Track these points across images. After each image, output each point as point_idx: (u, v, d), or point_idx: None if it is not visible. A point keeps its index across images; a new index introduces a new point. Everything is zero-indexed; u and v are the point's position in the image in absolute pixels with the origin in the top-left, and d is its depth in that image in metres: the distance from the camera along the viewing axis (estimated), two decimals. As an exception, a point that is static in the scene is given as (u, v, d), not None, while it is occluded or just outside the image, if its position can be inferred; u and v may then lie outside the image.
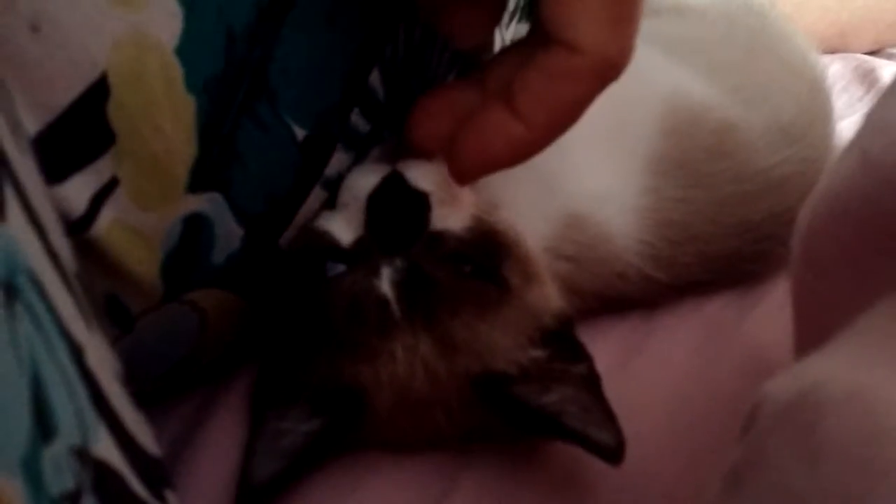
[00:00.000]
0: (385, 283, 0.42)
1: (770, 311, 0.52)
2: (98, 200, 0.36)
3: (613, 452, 0.39)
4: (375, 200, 0.44)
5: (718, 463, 0.26)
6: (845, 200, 0.30)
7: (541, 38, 0.37)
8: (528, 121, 0.39)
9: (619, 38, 0.36)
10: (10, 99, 0.31)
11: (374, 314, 0.42)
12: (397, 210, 0.44)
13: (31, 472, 0.22)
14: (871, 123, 0.31)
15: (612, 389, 0.42)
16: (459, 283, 0.43)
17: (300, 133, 0.42)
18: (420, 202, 0.44)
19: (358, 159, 0.47)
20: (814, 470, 0.22)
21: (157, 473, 0.33)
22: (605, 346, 0.49)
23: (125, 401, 0.31)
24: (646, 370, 0.49)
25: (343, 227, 0.44)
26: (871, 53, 0.93)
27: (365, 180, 0.45)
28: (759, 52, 0.60)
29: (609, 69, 0.37)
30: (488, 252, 0.44)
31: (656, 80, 0.57)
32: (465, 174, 0.42)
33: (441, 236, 0.44)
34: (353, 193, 0.45)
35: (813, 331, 0.32)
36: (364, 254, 0.43)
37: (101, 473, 0.26)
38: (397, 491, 0.43)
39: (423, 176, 0.45)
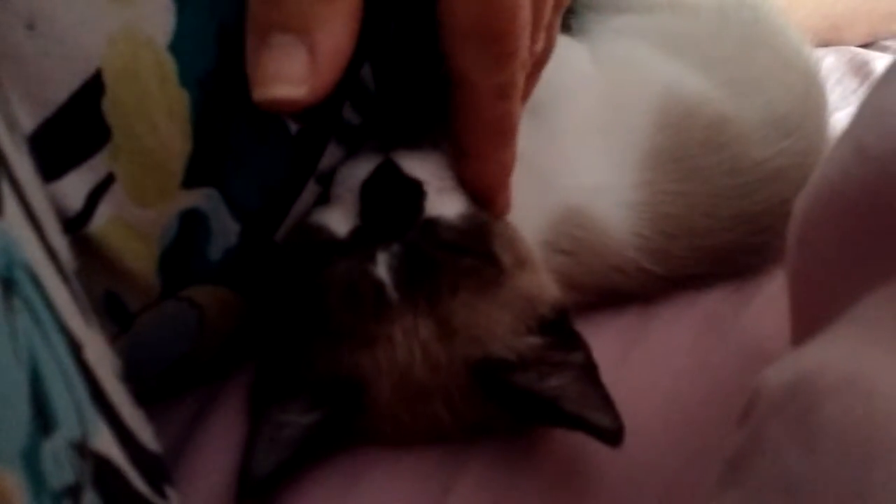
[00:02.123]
0: (381, 267, 0.42)
1: (767, 303, 0.52)
2: (95, 197, 0.36)
3: (613, 435, 0.39)
4: (369, 188, 0.44)
5: (717, 454, 0.26)
6: (841, 189, 0.30)
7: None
8: (475, 153, 0.44)
9: (501, 68, 0.40)
10: (5, 96, 0.31)
11: (370, 299, 0.42)
12: (391, 197, 0.44)
13: (32, 465, 0.22)
14: (866, 112, 0.31)
15: (611, 382, 0.42)
16: (456, 266, 0.43)
17: (293, 127, 0.42)
18: (414, 190, 0.44)
19: (350, 153, 0.47)
20: (812, 455, 0.22)
21: (157, 469, 0.33)
22: (603, 339, 0.49)
23: (124, 397, 0.31)
24: (644, 363, 0.49)
25: (338, 219, 0.45)
26: (865, 46, 0.92)
27: (358, 170, 0.45)
28: (753, 45, 0.61)
29: (503, 90, 0.41)
30: (482, 237, 0.45)
31: (651, 75, 0.57)
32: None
33: (436, 223, 0.44)
34: (346, 184, 0.45)
35: (809, 320, 0.32)
36: (360, 243, 0.43)
37: (101, 468, 0.26)
38: (399, 485, 0.43)
39: (417, 164, 0.45)
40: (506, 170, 0.45)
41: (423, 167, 0.45)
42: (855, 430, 0.22)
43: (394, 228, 0.44)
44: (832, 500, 0.21)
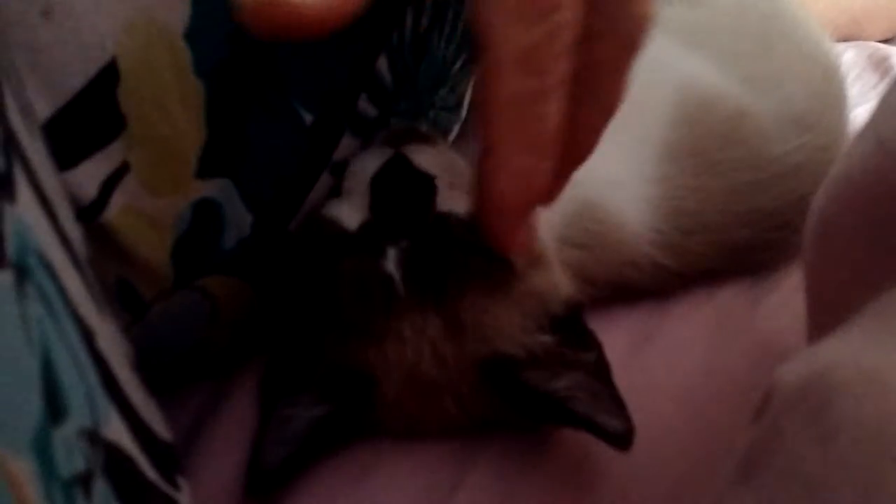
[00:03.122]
0: (390, 262, 0.42)
1: (783, 299, 0.52)
2: (109, 186, 0.36)
3: (622, 438, 0.39)
4: (379, 182, 0.44)
5: (730, 451, 0.26)
6: (860, 184, 0.29)
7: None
8: (491, 145, 0.35)
9: (530, 23, 0.32)
10: (20, 84, 0.31)
11: (380, 294, 0.42)
12: (402, 192, 0.44)
13: (43, 452, 0.22)
14: (886, 107, 0.31)
15: (624, 378, 0.41)
16: (466, 263, 0.43)
17: (308, 118, 0.42)
18: (425, 184, 0.44)
19: (365, 145, 0.47)
20: (828, 452, 0.22)
21: (168, 458, 0.33)
22: (617, 334, 0.49)
23: (137, 386, 0.31)
24: (658, 358, 0.49)
25: (349, 213, 0.44)
26: (886, 41, 0.92)
27: (369, 163, 0.45)
28: (772, 39, 0.60)
29: (529, 59, 0.33)
30: None
31: (668, 69, 0.57)
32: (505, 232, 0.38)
33: (447, 218, 0.44)
34: (357, 178, 0.45)
35: (826, 316, 0.31)
36: (370, 237, 0.43)
37: (112, 456, 0.26)
38: (408, 478, 0.43)
39: (429, 159, 0.45)
40: (529, 182, 0.35)
41: (434, 162, 0.45)
42: (871, 426, 0.21)
43: (404, 223, 0.43)
44: (848, 496, 0.21)
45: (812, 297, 0.33)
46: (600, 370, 0.42)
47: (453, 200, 0.44)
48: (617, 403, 0.40)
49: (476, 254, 0.43)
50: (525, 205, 0.36)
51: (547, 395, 0.41)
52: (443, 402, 0.43)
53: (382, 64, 0.45)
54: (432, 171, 0.45)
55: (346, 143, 0.45)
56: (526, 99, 0.34)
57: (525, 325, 0.43)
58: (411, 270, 0.42)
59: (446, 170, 0.45)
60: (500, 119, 0.34)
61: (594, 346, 0.43)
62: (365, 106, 0.45)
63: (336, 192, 0.46)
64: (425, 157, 0.45)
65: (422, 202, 0.44)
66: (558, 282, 0.47)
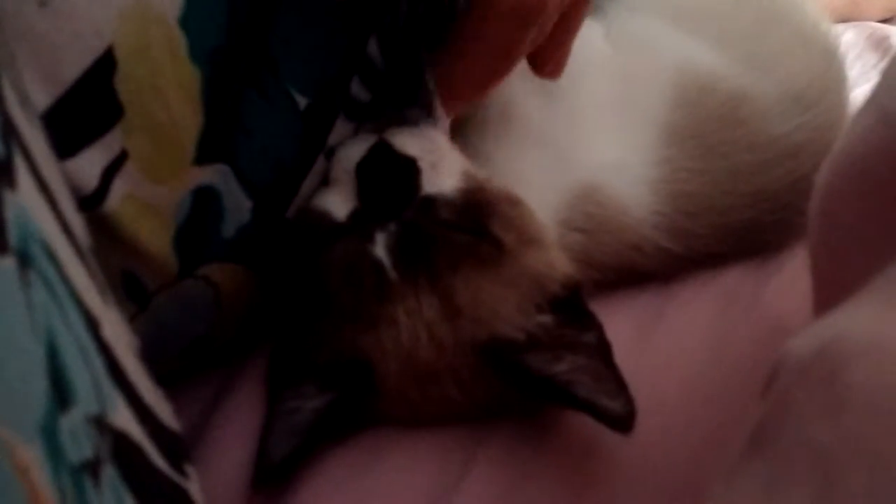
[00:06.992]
0: (379, 247, 0.42)
1: (787, 280, 0.52)
2: (109, 174, 0.36)
3: (623, 421, 0.39)
4: (364, 169, 0.44)
5: (738, 433, 0.26)
6: (864, 157, 0.29)
7: None
8: (470, 64, 0.45)
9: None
10: (18, 73, 0.31)
11: (370, 279, 0.42)
12: (386, 177, 0.44)
13: (50, 438, 0.22)
14: (889, 82, 0.31)
15: (630, 362, 0.41)
16: (455, 242, 0.43)
17: (302, 102, 0.42)
18: (408, 167, 0.44)
19: (359, 129, 0.47)
20: (838, 422, 0.21)
21: (176, 447, 0.33)
22: (623, 318, 0.49)
23: (142, 375, 0.31)
24: (663, 342, 0.49)
25: (337, 202, 0.45)
26: (885, 21, 0.91)
27: (353, 151, 0.45)
28: (770, 20, 0.60)
29: (527, 11, 0.42)
30: (478, 214, 0.44)
31: (667, 51, 0.57)
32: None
33: (433, 199, 0.44)
34: (342, 166, 0.45)
35: (832, 292, 0.31)
36: (359, 225, 0.43)
37: (119, 443, 0.26)
38: (415, 465, 0.43)
39: (410, 142, 0.45)
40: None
41: (414, 143, 0.45)
42: (881, 395, 0.21)
43: (391, 207, 0.43)
44: (859, 466, 0.21)
45: (818, 273, 0.33)
46: (601, 351, 0.42)
47: (437, 180, 0.44)
48: (618, 385, 0.40)
49: (464, 233, 0.43)
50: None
51: (548, 378, 0.41)
52: (444, 387, 0.43)
53: (373, 47, 0.45)
54: (413, 152, 0.45)
55: (341, 128, 0.45)
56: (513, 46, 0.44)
57: (522, 305, 0.43)
58: (401, 253, 0.42)
59: (428, 151, 0.45)
60: (491, 57, 0.45)
61: (594, 326, 0.43)
62: (357, 89, 0.45)
63: (323, 181, 0.46)
64: (407, 141, 0.45)
65: (406, 185, 0.44)
66: (554, 261, 0.46)
